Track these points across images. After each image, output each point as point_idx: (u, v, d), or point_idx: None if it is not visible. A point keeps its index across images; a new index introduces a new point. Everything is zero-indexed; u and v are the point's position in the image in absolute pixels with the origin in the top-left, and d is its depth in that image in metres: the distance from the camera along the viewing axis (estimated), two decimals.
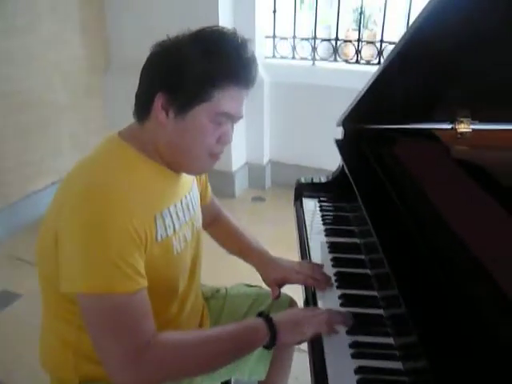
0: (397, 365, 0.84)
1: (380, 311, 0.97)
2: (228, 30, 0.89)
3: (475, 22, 1.01)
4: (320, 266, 1.13)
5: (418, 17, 1.01)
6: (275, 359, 1.21)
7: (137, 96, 0.93)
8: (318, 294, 1.06)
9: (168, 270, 0.95)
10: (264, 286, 1.28)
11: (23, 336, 1.93)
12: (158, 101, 0.87)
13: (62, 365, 0.97)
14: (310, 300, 1.06)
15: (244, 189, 3.21)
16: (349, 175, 1.25)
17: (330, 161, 1.68)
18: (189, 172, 1.00)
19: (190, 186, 1.06)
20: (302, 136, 3.09)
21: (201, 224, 1.11)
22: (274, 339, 0.90)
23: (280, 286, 1.14)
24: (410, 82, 1.21)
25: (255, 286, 1.31)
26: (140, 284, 0.83)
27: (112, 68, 3.18)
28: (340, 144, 1.41)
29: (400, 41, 1.09)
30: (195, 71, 0.84)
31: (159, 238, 0.90)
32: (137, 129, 0.93)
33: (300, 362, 1.62)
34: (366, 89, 1.23)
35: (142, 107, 0.91)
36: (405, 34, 1.06)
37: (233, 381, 1.52)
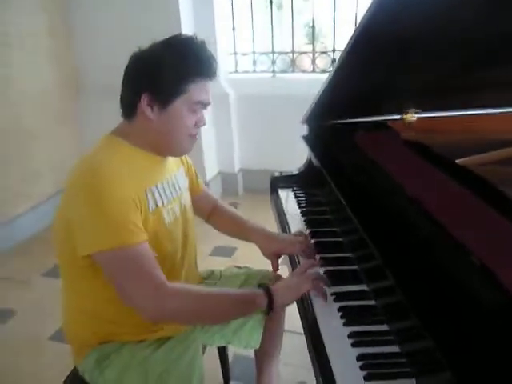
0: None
1: (354, 267, 1.16)
2: (189, 35, 1.11)
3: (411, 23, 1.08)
4: (308, 238, 1.32)
5: (363, 18, 1.07)
6: (267, 328, 1.35)
7: (122, 99, 1.12)
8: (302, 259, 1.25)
9: (161, 240, 1.13)
10: (252, 267, 1.46)
11: None
12: (144, 100, 1.06)
13: (81, 329, 1.17)
14: (295, 262, 1.27)
15: (218, 197, 3.35)
16: (317, 162, 1.45)
17: (296, 160, 1.86)
18: (175, 154, 1.21)
19: (174, 170, 1.25)
20: (268, 142, 3.31)
21: (189, 204, 1.29)
22: (271, 303, 1.06)
23: (278, 257, 1.32)
24: (360, 81, 1.35)
25: (245, 268, 1.49)
26: (143, 237, 1.02)
27: (82, 94, 3.33)
28: (306, 138, 1.62)
29: (348, 42, 1.16)
30: (172, 72, 1.05)
31: (151, 208, 1.09)
32: (126, 126, 1.13)
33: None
34: (321, 91, 1.39)
35: (129, 107, 1.10)
36: (352, 34, 1.13)
37: (232, 356, 1.66)
